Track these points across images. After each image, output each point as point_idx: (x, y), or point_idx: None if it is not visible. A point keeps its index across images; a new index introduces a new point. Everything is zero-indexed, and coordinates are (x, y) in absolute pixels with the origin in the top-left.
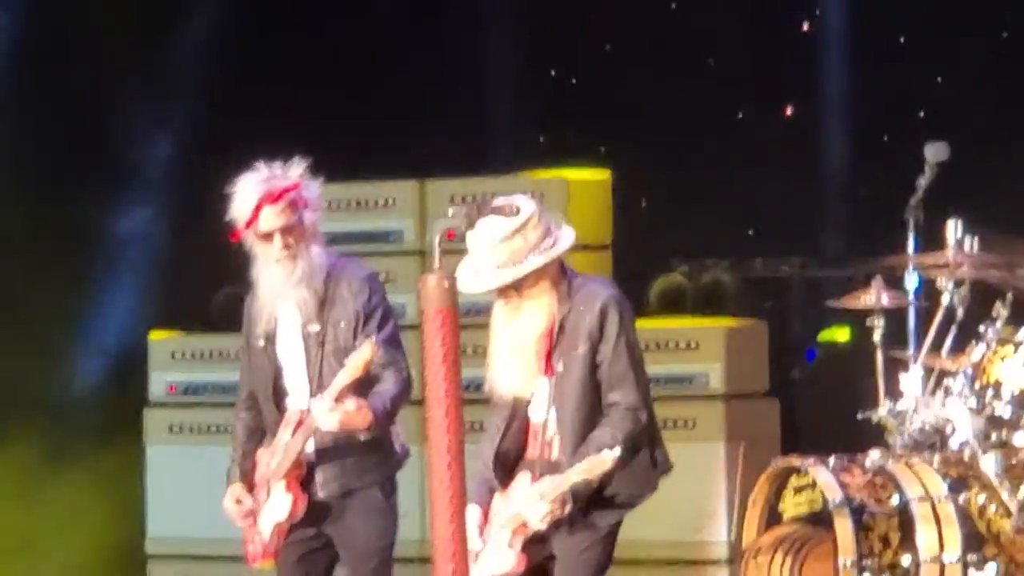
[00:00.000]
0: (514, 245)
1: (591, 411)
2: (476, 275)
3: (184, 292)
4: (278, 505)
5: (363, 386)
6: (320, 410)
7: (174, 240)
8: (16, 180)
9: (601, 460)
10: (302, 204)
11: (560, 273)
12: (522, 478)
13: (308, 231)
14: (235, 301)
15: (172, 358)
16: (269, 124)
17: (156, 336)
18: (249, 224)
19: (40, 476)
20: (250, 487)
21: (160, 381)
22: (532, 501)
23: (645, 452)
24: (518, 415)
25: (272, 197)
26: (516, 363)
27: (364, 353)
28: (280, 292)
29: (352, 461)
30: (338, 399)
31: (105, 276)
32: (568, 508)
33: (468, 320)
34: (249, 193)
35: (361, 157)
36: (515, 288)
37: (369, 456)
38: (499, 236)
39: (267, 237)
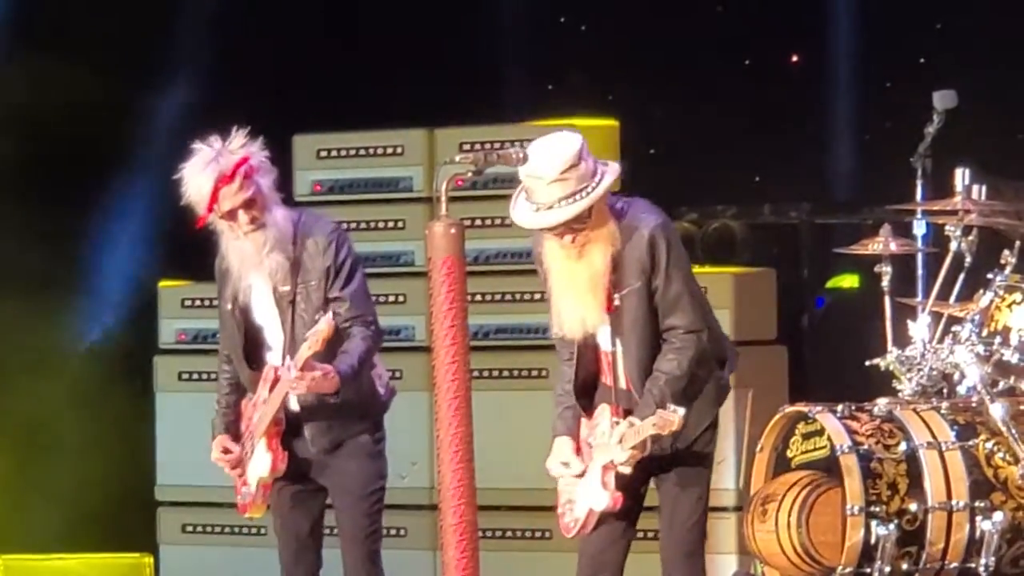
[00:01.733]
0: (577, 174)
1: (652, 340)
2: (537, 211)
3: (194, 240)
4: (260, 462)
5: (332, 343)
6: (288, 378)
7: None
8: (25, 119)
9: (669, 420)
10: (255, 172)
11: (611, 209)
12: (602, 411)
13: (267, 197)
14: None
15: (182, 306)
16: (278, 71)
17: (165, 284)
18: (211, 208)
19: (50, 423)
20: (236, 437)
21: (170, 329)
22: (614, 448)
23: (715, 372)
24: (588, 344)
25: (226, 177)
26: (587, 301)
27: (322, 331)
28: (253, 261)
29: (339, 415)
30: (303, 368)
31: (114, 225)
32: (649, 448)
33: (476, 267)
34: (201, 177)
35: (370, 105)
36: (579, 222)
37: (354, 408)
38: (560, 168)
39: (231, 215)
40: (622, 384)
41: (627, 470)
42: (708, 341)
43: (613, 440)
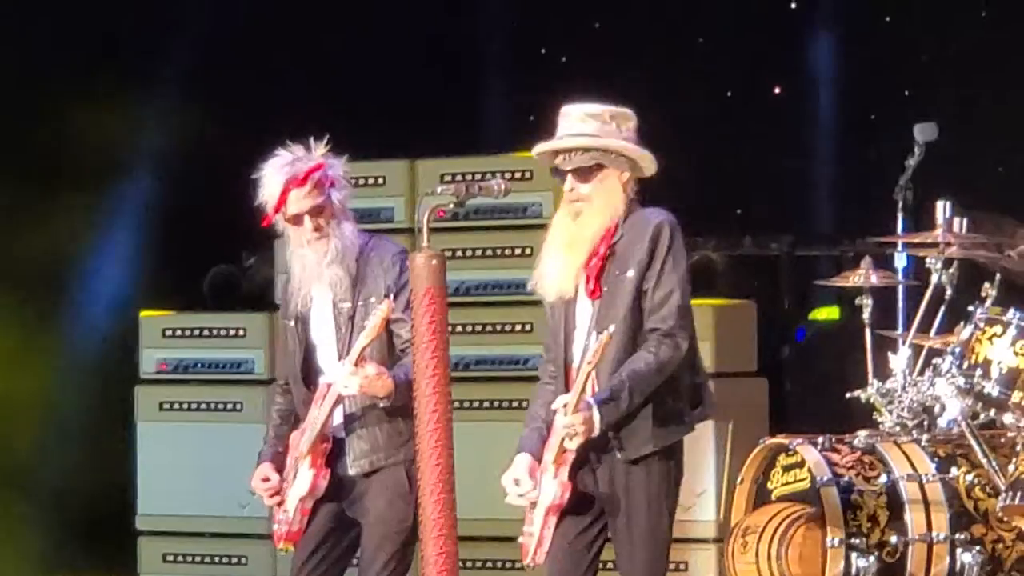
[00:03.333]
0: (604, 125)
1: (632, 337)
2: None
3: (176, 270)
4: (302, 481)
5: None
6: (340, 374)
7: (167, 218)
8: (5, 157)
9: (603, 341)
10: (328, 183)
11: (627, 196)
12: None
13: (337, 209)
14: (227, 279)
15: (163, 336)
16: (261, 105)
17: (147, 314)
18: (278, 208)
19: (31, 452)
20: (279, 469)
21: (151, 358)
22: (559, 420)
23: (683, 387)
24: (564, 350)
25: (298, 180)
26: (565, 258)
27: (382, 310)
28: (314, 272)
29: (383, 437)
30: (358, 363)
31: (97, 254)
32: (596, 430)
33: (458, 298)
34: (275, 178)
35: (351, 136)
36: (585, 170)
37: (397, 434)
38: (591, 110)
39: (297, 220)
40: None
41: (572, 445)
42: (686, 363)
43: (559, 414)
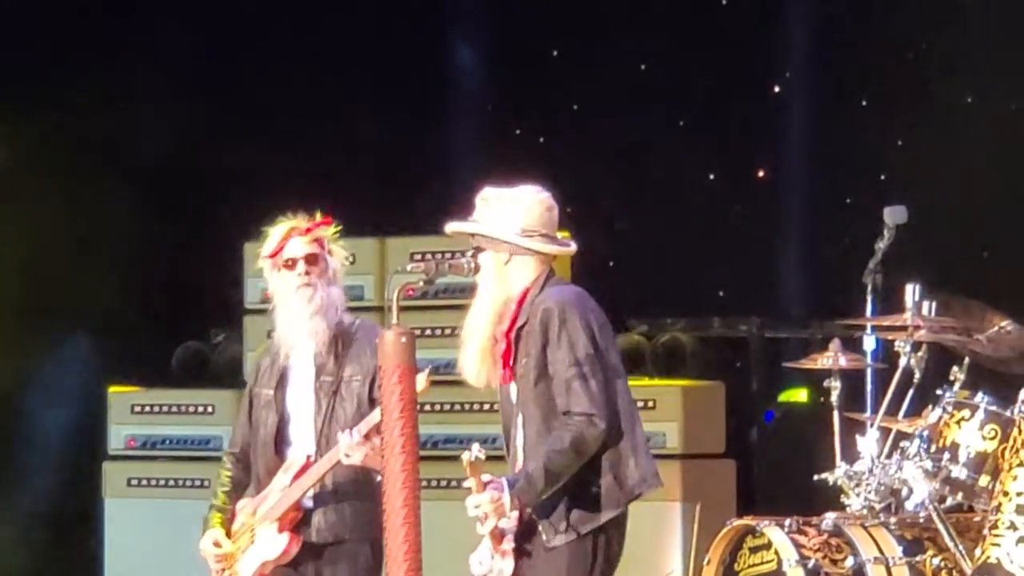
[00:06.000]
0: (490, 210)
1: (547, 421)
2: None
3: (145, 346)
4: (270, 545)
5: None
6: (347, 443)
7: (135, 296)
8: None
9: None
10: (327, 247)
11: (533, 278)
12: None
13: (330, 271)
14: (196, 355)
15: (131, 412)
16: (236, 181)
17: (116, 390)
18: (275, 253)
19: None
20: (228, 534)
21: (119, 435)
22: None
23: (608, 467)
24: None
25: (302, 230)
26: (463, 347)
27: (419, 381)
28: (297, 322)
29: (350, 512)
30: (367, 435)
31: (65, 331)
32: (507, 511)
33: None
34: (281, 227)
35: (325, 214)
36: (473, 253)
37: (365, 512)
38: (486, 193)
39: (291, 264)
40: (520, 462)
41: (485, 529)
42: (606, 433)
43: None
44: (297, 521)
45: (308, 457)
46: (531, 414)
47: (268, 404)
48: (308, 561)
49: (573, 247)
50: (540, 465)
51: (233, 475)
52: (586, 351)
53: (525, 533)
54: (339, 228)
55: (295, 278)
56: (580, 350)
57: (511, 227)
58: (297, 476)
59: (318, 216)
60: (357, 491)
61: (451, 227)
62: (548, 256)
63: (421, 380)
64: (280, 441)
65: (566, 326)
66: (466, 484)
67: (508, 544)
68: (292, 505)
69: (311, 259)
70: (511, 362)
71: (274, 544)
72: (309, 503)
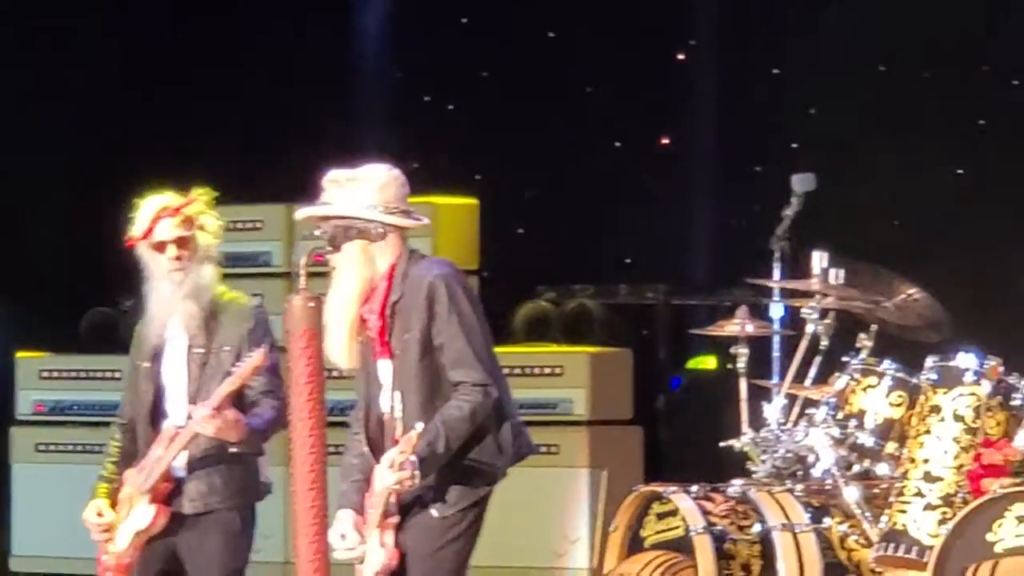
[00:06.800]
0: (344, 191)
1: (431, 395)
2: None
3: (53, 312)
4: (140, 516)
5: (242, 411)
6: (199, 415)
7: (44, 259)
8: None
9: (411, 440)
10: (198, 224)
11: (397, 254)
12: (378, 469)
13: (201, 250)
14: (104, 321)
15: (39, 377)
16: (142, 147)
17: (23, 355)
18: (146, 235)
19: None
20: (113, 504)
21: (27, 400)
22: (382, 476)
23: (491, 435)
24: (372, 406)
25: (170, 211)
26: (333, 330)
27: (254, 359)
28: (169, 305)
29: (220, 481)
30: (219, 407)
31: None
32: (417, 478)
33: None
34: (149, 206)
35: (230, 180)
36: (332, 238)
37: (235, 479)
38: (336, 176)
39: (161, 247)
40: (398, 434)
41: (393, 503)
42: (497, 402)
43: (382, 470)
44: (168, 492)
45: (177, 428)
46: (413, 388)
47: (145, 375)
48: (181, 531)
49: (426, 220)
50: (441, 436)
51: (121, 445)
52: (474, 322)
53: (408, 506)
54: (213, 197)
55: (166, 261)
56: (472, 319)
57: (372, 206)
58: (168, 445)
59: (191, 193)
60: (227, 460)
61: (302, 212)
62: (406, 231)
63: (256, 355)
64: (157, 412)
65: (454, 299)
66: (386, 462)
67: (393, 519)
68: (161, 476)
69: (181, 242)
70: (387, 338)
71: (143, 515)
72: (182, 473)
